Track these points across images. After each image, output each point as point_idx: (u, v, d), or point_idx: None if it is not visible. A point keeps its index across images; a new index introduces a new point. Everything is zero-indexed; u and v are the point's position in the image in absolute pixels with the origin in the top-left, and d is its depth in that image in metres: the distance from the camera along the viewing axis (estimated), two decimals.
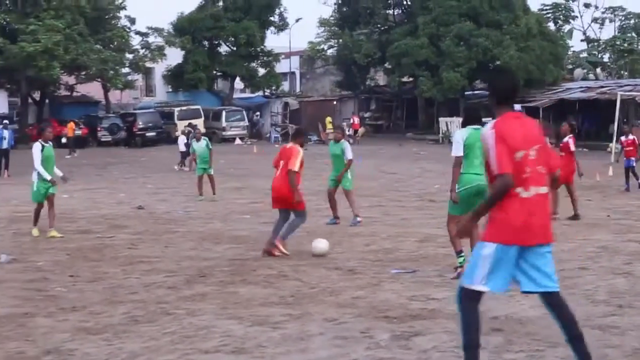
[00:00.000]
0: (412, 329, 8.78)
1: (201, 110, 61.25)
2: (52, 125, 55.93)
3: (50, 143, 17.19)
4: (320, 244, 14.05)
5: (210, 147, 25.66)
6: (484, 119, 11.99)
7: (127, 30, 65.56)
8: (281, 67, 76.04)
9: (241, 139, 61.07)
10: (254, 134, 66.70)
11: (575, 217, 18.56)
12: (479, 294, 6.77)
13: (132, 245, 15.42)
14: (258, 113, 71.91)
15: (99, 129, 58.71)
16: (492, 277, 6.66)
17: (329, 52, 77.80)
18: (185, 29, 67.62)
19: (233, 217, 20.04)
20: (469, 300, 6.79)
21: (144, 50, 66.95)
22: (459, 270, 11.44)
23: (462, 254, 11.59)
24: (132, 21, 66.50)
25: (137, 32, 66.95)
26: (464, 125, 12.01)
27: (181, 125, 58.83)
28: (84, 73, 62.32)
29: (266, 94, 76.02)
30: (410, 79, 66.12)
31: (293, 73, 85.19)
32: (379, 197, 23.08)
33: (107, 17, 63.13)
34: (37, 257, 14.15)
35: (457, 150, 11.70)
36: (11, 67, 57.16)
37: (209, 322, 9.14)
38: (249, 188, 27.64)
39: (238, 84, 74.76)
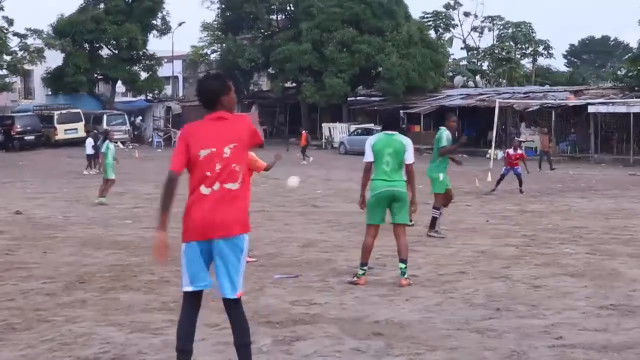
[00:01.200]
0: (294, 333, 8.79)
1: (81, 114, 60.33)
2: None
3: None
4: (292, 181, 13.95)
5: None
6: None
7: (5, 31, 63.93)
8: (164, 71, 75.50)
9: (122, 143, 60.28)
10: (135, 138, 65.95)
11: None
12: (193, 296, 6.85)
13: (10, 251, 15.05)
14: (140, 117, 71.23)
15: None
16: (193, 275, 6.78)
17: (213, 56, 77.45)
18: (65, 31, 66.54)
19: (114, 222, 19.77)
20: (185, 303, 6.92)
21: (22, 52, 65.43)
22: (355, 279, 11.64)
23: (365, 267, 11.69)
24: (10, 22, 64.81)
25: (15, 34, 65.39)
26: (382, 129, 12.01)
27: (62, 128, 58.13)
28: None
29: (148, 98, 75.29)
30: (294, 85, 66.31)
31: (176, 77, 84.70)
32: (262, 202, 23.06)
33: None
34: None
35: (366, 156, 11.76)
36: None
37: (88, 329, 8.98)
38: (130, 193, 27.34)
39: (120, 87, 73.90)
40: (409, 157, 11.62)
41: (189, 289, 6.80)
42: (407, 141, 11.78)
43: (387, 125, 12.06)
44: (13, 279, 12.12)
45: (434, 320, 9.47)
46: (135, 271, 12.74)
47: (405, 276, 11.57)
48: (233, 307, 6.85)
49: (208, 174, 6.72)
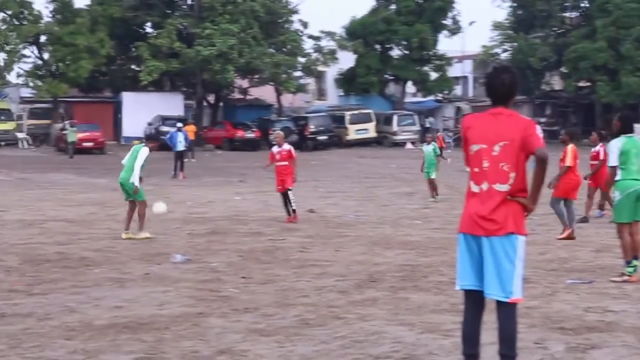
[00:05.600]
0: (588, 341, 8.49)
1: (372, 115, 61.36)
2: (226, 128, 57.98)
3: None
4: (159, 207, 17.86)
5: (438, 152, 26.10)
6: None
7: (300, 34, 66.10)
8: (454, 71, 75.40)
9: (412, 143, 60.72)
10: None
11: (584, 219, 19.63)
12: (470, 295, 6.70)
13: (303, 248, 15.51)
14: (431, 118, 71.51)
15: (270, 132, 59.46)
16: (460, 272, 6.69)
17: (503, 56, 76.60)
18: (357, 33, 67.82)
19: (404, 222, 19.94)
20: (464, 303, 6.80)
21: (316, 54, 67.37)
22: (626, 278, 11.80)
23: (633, 264, 11.83)
24: (305, 25, 66.95)
25: (310, 36, 67.39)
26: (621, 132, 12.27)
27: (353, 129, 59.36)
28: (257, 76, 63.39)
29: (438, 98, 75.53)
30: (587, 84, 64.58)
31: (466, 77, 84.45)
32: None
33: (280, 21, 63.90)
34: (210, 257, 14.40)
35: (612, 160, 12.13)
36: (187, 70, 59.12)
37: (379, 328, 9.06)
38: (420, 193, 27.45)
39: (409, 88, 74.53)
40: None
41: (457, 287, 6.80)
42: None
43: (625, 128, 12.29)
44: (307, 276, 12.46)
45: None
46: (425, 272, 12.78)
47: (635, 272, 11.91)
48: (502, 310, 6.61)
49: (476, 170, 6.67)
